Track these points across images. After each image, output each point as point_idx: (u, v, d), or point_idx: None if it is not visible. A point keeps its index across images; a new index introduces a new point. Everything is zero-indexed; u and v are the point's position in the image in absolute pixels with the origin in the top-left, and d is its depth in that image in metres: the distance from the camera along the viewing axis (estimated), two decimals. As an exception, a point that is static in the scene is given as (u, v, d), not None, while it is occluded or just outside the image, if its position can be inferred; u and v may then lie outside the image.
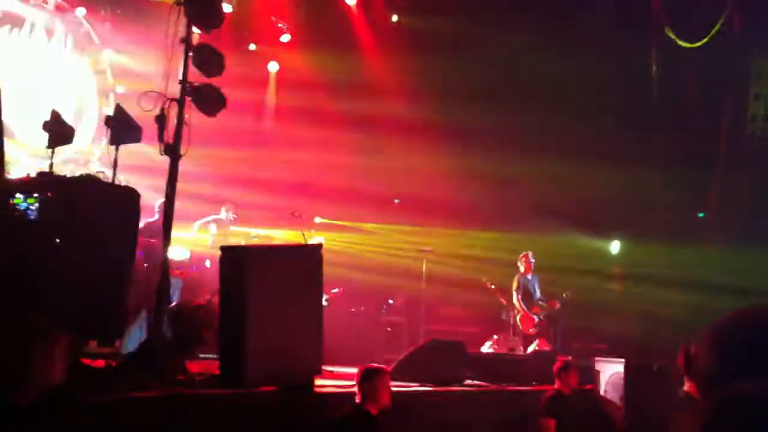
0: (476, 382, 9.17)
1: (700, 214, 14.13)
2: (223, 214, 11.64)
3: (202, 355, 8.12)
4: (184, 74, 7.56)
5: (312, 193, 13.61)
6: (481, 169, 13.91)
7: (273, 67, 15.25)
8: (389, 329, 12.73)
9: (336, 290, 11.58)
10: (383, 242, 14.02)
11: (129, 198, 7.41)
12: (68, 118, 11.77)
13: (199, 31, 8.28)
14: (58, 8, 12.42)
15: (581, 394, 8.44)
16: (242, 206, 12.19)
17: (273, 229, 12.38)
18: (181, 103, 7.52)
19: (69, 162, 11.73)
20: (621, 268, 13.57)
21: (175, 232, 8.00)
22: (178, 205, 7.53)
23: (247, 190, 12.92)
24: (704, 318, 11.72)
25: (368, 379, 6.46)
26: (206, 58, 7.82)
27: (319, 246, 7.92)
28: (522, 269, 11.79)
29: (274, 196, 12.73)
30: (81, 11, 12.63)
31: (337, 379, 8.18)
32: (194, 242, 11.34)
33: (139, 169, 9.52)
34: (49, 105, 11.49)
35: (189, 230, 11.32)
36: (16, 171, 10.84)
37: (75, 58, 12.76)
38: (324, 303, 11.02)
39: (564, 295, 11.70)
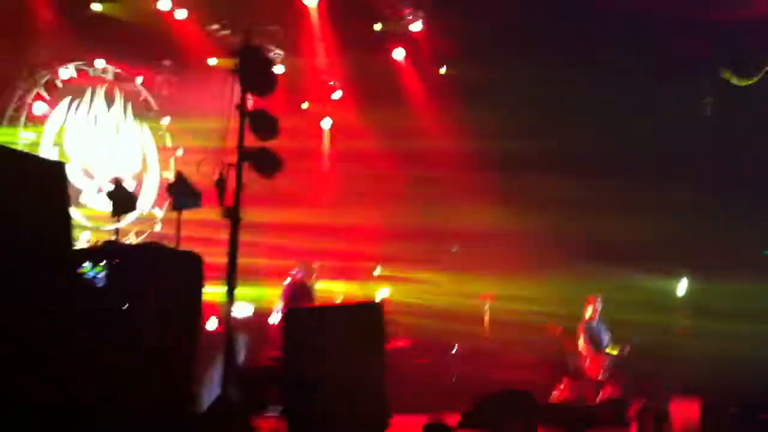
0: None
1: (766, 252, 13.81)
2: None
3: (269, 412, 8.18)
4: (241, 139, 7.73)
5: (372, 243, 13.69)
6: (538, 219, 13.86)
7: (326, 123, 15.48)
8: (454, 379, 12.62)
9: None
10: (443, 291, 13.99)
11: (192, 262, 7.56)
12: (130, 184, 12.23)
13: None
14: (117, 77, 12.83)
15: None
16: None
17: (335, 282, 12.48)
18: (239, 167, 7.69)
19: (133, 227, 12.04)
20: (689, 309, 13.22)
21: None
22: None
23: (307, 243, 13.06)
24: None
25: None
26: (261, 123, 8.02)
27: (381, 303, 7.96)
28: (588, 314, 11.62)
29: (334, 249, 12.83)
30: (139, 79, 13.03)
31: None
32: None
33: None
34: (111, 172, 11.96)
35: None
36: (83, 236, 11.20)
37: (135, 125, 13.14)
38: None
39: (633, 339, 11.48)
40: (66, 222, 6.36)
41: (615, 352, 11.36)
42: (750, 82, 13.28)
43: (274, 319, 11.18)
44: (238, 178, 7.72)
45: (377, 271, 12.93)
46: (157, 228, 12.45)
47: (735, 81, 13.41)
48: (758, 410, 9.33)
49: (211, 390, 8.23)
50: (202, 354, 7.62)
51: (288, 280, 10.89)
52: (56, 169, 6.65)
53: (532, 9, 13.35)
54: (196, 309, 7.46)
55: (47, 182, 6.37)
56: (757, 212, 13.11)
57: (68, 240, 6.65)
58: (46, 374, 6.07)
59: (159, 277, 7.16)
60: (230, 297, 7.63)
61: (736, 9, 12.96)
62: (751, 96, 13.32)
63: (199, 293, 7.52)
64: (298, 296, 10.09)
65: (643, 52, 13.56)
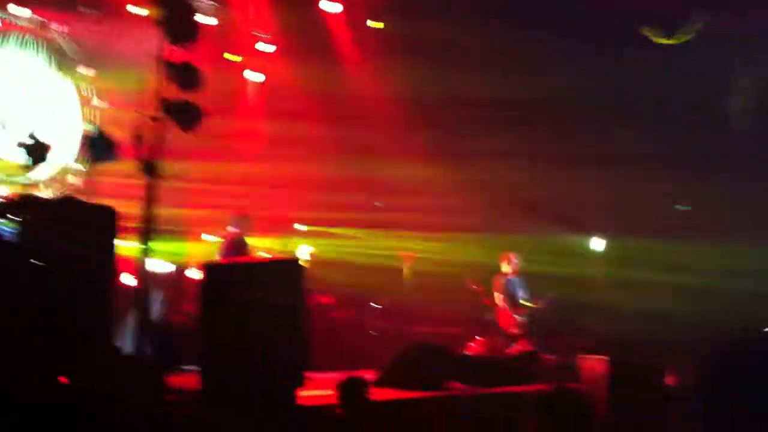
0: (460, 384, 9.25)
1: (682, 207, 14.25)
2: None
3: (184, 367, 8.18)
4: (161, 91, 7.62)
5: (293, 201, 13.67)
6: (464, 172, 14.00)
7: (256, 77, 15.29)
8: (374, 333, 12.82)
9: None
10: (365, 247, 14.09)
11: (106, 216, 7.49)
12: (48, 135, 11.94)
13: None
14: (36, 24, 12.45)
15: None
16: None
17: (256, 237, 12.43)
18: (159, 120, 7.59)
19: (50, 180, 11.78)
20: (603, 266, 13.61)
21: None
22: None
23: (229, 203, 12.97)
24: (687, 313, 11.90)
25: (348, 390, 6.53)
26: (184, 74, 7.90)
27: (297, 259, 8.00)
28: (504, 270, 11.86)
29: (256, 204, 12.75)
30: (59, 27, 12.64)
31: (320, 387, 8.24)
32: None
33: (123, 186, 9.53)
34: (31, 122, 11.64)
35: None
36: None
37: (54, 74, 12.78)
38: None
39: (548, 294, 11.77)
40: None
41: (530, 306, 11.64)
42: (672, 41, 13.54)
43: (193, 273, 11.11)
44: (157, 131, 7.63)
45: (301, 227, 12.92)
46: (75, 180, 12.20)
47: (657, 39, 13.65)
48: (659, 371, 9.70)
49: (125, 345, 8.23)
50: (118, 309, 7.61)
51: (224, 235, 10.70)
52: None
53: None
54: (109, 263, 7.42)
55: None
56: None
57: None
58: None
59: (72, 230, 7.10)
60: (145, 251, 7.60)
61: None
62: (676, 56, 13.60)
63: (112, 247, 7.46)
64: (237, 252, 9.98)
65: (572, 13, 13.69)
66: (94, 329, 7.04)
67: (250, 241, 10.34)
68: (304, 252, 11.58)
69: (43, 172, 11.25)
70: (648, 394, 9.41)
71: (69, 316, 6.78)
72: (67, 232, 7.07)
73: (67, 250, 6.96)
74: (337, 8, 14.65)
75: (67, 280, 6.84)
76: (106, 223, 7.45)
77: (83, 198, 7.80)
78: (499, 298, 11.70)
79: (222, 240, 10.40)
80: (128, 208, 7.83)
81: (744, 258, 12.13)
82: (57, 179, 12.05)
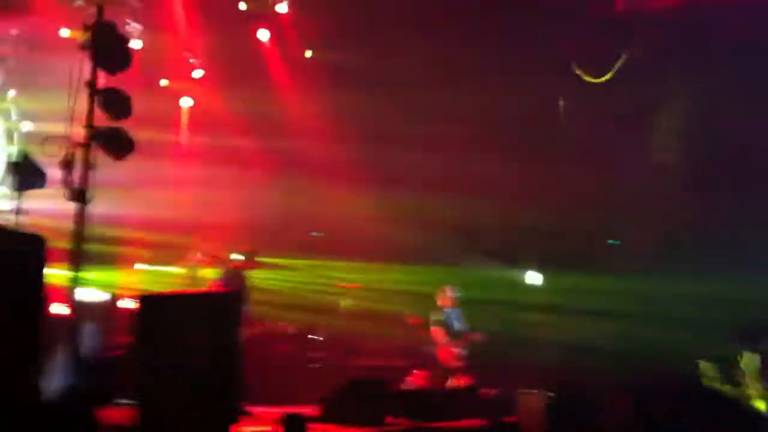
0: (398, 420, 9.12)
1: (613, 242, 14.45)
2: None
3: (118, 401, 7.89)
4: (90, 118, 7.41)
5: (228, 231, 13.39)
6: (399, 204, 13.94)
7: (186, 102, 15.05)
8: (313, 366, 12.59)
9: None
10: (303, 278, 13.90)
11: (35, 244, 7.18)
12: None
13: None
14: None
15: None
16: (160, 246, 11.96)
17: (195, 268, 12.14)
18: (88, 147, 7.37)
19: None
20: (539, 299, 13.64)
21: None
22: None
23: (162, 230, 12.66)
24: (620, 346, 11.98)
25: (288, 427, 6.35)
26: (112, 101, 7.71)
27: (238, 292, 7.82)
28: (441, 303, 11.80)
29: (189, 235, 12.47)
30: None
31: (258, 423, 8.03)
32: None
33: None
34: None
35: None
36: None
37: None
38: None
39: (482, 332, 11.76)
40: None
41: (466, 339, 11.58)
42: (601, 79, 13.79)
43: (126, 304, 10.80)
44: (86, 158, 7.38)
45: (237, 257, 12.67)
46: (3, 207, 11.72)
47: (588, 78, 13.90)
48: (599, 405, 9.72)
49: (55, 378, 7.86)
50: (46, 341, 7.27)
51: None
52: None
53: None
54: (37, 294, 7.10)
55: None
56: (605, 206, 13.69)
57: None
58: None
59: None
60: (75, 281, 7.31)
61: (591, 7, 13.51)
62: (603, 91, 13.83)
63: (41, 277, 7.14)
64: (234, 283, 10.02)
65: (505, 41, 13.81)
66: (22, 364, 6.69)
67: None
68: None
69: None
70: (585, 429, 9.42)
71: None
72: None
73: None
74: (266, 35, 14.58)
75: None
76: (33, 251, 7.12)
77: (8, 224, 7.40)
78: (436, 331, 11.62)
79: (222, 268, 10.40)
80: (57, 235, 7.53)
81: (681, 289, 12.29)
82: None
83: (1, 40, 12.39)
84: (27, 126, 12.55)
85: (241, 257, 10.47)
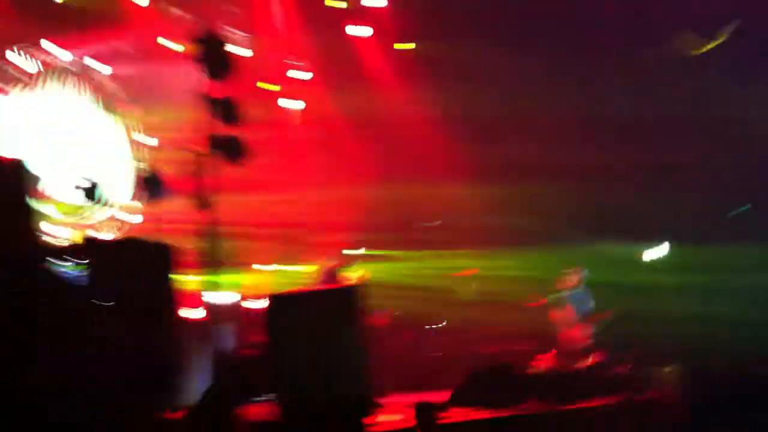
0: (533, 402, 9.06)
1: (742, 209, 14.00)
2: None
3: (258, 399, 8.15)
4: (208, 127, 7.68)
5: (342, 226, 13.63)
6: (513, 187, 13.87)
7: (293, 105, 15.33)
8: (435, 354, 12.67)
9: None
10: (425, 269, 13.98)
11: (167, 253, 7.51)
12: (102, 176, 12.04)
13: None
14: (83, 69, 12.57)
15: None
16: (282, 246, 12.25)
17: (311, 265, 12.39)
18: (207, 155, 7.64)
19: (107, 221, 11.86)
20: (668, 275, 13.26)
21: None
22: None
23: (282, 229, 12.98)
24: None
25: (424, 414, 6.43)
26: (225, 109, 7.96)
27: (359, 286, 7.98)
28: (571, 283, 11.69)
29: (313, 235, 12.75)
30: (106, 69, 12.76)
31: (390, 413, 8.14)
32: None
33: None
34: (81, 164, 11.76)
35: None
36: (53, 229, 11.02)
37: (104, 116, 12.89)
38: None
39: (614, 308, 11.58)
40: (26, 219, 6.26)
41: (597, 318, 11.42)
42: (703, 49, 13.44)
43: (252, 304, 11.11)
44: (206, 165, 7.67)
45: (359, 251, 12.89)
46: (132, 219, 12.26)
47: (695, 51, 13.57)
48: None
49: (200, 379, 8.19)
50: (187, 344, 7.60)
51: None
52: (15, 165, 6.56)
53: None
54: (169, 299, 7.42)
55: (4, 179, 6.31)
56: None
57: (30, 238, 6.52)
58: (23, 372, 6.02)
59: (134, 269, 7.12)
60: (210, 284, 7.61)
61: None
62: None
63: (171, 282, 7.45)
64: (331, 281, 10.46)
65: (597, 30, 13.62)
66: (165, 367, 7.03)
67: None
68: (360, 275, 11.51)
69: (99, 212, 11.34)
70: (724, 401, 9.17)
71: (139, 355, 6.78)
72: (131, 271, 7.10)
73: (131, 289, 6.97)
74: (367, 32, 14.70)
75: (134, 319, 6.84)
76: (163, 259, 7.47)
77: (142, 236, 7.78)
78: (557, 312, 11.51)
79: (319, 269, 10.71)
80: (187, 243, 7.85)
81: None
82: (114, 219, 12.14)
83: (120, 59, 12.90)
84: (151, 141, 13.04)
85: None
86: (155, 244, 7.70)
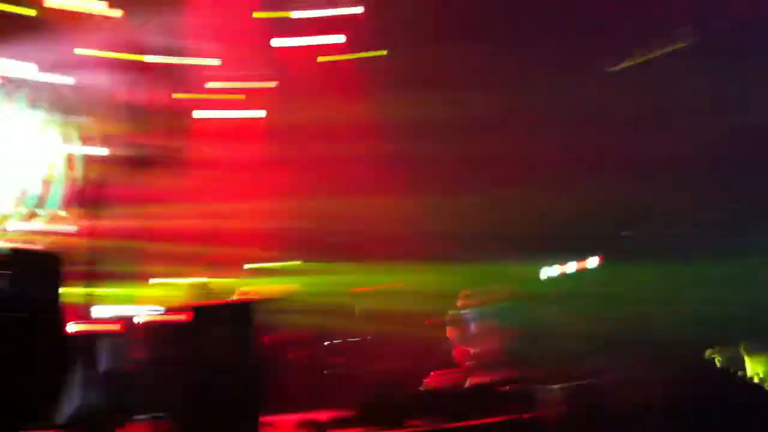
0: (418, 421, 9.14)
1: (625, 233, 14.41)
2: None
3: (136, 417, 7.97)
4: (125, 137, 7.53)
5: (238, 240, 13.49)
6: (420, 204, 13.96)
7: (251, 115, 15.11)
8: (329, 371, 12.65)
9: None
10: (319, 283, 13.93)
11: (53, 263, 7.33)
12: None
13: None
14: (20, 74, 12.15)
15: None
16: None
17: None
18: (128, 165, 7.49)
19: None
20: (555, 291, 13.55)
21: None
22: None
23: (179, 242, 12.77)
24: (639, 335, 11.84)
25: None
26: (145, 120, 7.83)
27: (255, 301, 7.94)
28: (460, 303, 11.84)
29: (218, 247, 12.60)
30: (45, 77, 12.34)
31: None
32: None
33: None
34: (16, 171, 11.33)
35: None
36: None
37: (42, 124, 12.48)
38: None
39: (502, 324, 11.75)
40: None
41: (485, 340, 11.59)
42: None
43: (140, 319, 10.90)
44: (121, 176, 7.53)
45: (251, 265, 12.74)
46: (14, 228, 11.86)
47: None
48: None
49: (76, 396, 7.96)
50: (66, 359, 7.38)
51: None
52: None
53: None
54: (56, 311, 7.23)
55: None
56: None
57: None
58: None
59: (19, 278, 6.93)
60: (93, 297, 7.43)
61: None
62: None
63: (59, 294, 7.27)
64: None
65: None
66: (43, 382, 6.83)
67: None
68: (253, 290, 11.39)
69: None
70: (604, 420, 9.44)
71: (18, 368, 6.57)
72: (15, 281, 6.90)
73: (14, 298, 6.78)
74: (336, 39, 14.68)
75: (15, 330, 6.64)
76: (49, 269, 7.28)
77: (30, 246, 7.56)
78: (452, 330, 11.66)
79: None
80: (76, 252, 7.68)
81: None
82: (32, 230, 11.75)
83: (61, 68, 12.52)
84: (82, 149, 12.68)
85: None
86: (42, 253, 7.52)
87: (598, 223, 13.78)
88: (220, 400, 7.14)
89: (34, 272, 7.08)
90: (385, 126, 14.10)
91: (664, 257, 12.85)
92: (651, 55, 13.53)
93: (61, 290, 7.23)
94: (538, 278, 13.92)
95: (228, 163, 14.38)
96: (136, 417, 7.85)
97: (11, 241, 9.35)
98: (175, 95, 14.42)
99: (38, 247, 7.66)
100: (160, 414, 7.17)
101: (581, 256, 13.65)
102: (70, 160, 12.50)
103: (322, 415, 8.43)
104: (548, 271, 14.03)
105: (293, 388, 10.85)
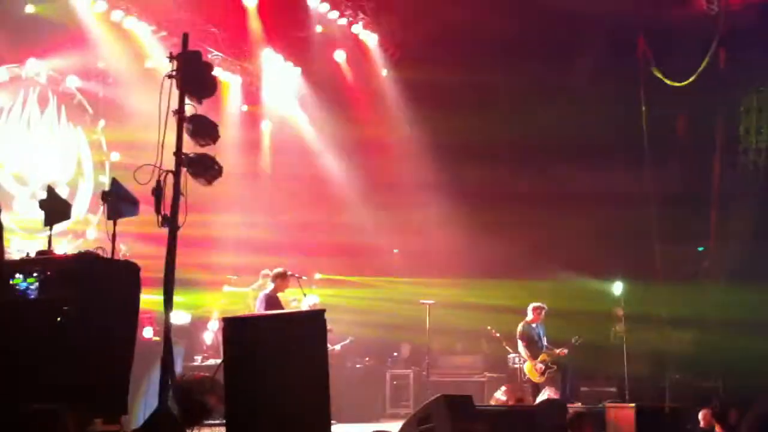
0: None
1: (700, 248, 14.13)
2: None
3: (207, 422, 8.04)
4: (179, 145, 7.56)
5: (310, 251, 13.58)
6: (479, 218, 13.91)
7: (266, 126, 15.37)
8: (395, 382, 12.65)
9: (348, 340, 11.58)
10: (385, 295, 13.97)
11: (129, 272, 7.42)
12: (63, 189, 11.93)
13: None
14: (51, 80, 12.45)
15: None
16: (244, 270, 12.19)
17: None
18: (177, 174, 7.52)
19: (67, 233, 11.71)
20: (625, 309, 13.39)
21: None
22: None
23: (245, 252, 12.93)
24: (710, 356, 11.66)
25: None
26: (200, 128, 7.86)
27: (322, 311, 7.89)
28: (529, 317, 11.75)
29: (273, 258, 12.68)
30: (73, 81, 12.67)
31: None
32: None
33: (142, 237, 9.49)
34: (44, 178, 11.63)
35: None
36: (14, 243, 10.88)
37: (69, 128, 12.79)
38: (337, 348, 11.13)
39: (573, 340, 11.65)
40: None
41: (553, 353, 11.48)
42: (681, 83, 13.58)
43: (213, 327, 11.04)
44: (176, 185, 7.55)
45: (317, 276, 12.81)
46: (92, 235, 12.14)
47: (668, 81, 13.70)
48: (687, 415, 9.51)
49: (149, 401, 8.09)
50: (138, 364, 7.48)
51: (263, 290, 10.54)
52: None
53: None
54: (132, 319, 7.33)
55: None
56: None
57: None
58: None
59: (93, 286, 7.02)
60: (168, 305, 7.48)
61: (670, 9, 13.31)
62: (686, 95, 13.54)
63: (137, 303, 7.38)
64: (271, 307, 9.95)
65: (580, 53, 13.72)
66: (117, 386, 6.93)
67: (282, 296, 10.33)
68: (315, 301, 11.44)
69: (61, 226, 11.23)
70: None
71: (90, 374, 6.68)
72: (88, 288, 7.00)
73: (89, 306, 6.88)
74: (343, 56, 14.77)
75: (88, 337, 6.74)
76: (129, 278, 7.39)
77: (103, 252, 7.66)
78: (522, 345, 11.56)
79: (261, 295, 10.38)
80: (147, 260, 7.78)
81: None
82: (75, 232, 12.02)
83: (90, 73, 12.82)
84: (116, 156, 12.96)
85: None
86: (114, 262, 7.61)
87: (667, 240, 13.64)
88: (287, 408, 7.14)
89: (114, 279, 7.20)
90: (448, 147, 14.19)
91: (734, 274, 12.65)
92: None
93: (139, 297, 7.34)
94: (610, 294, 13.61)
95: (288, 175, 14.63)
96: (209, 421, 7.94)
97: (89, 247, 9.58)
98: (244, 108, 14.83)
99: (116, 254, 7.71)
100: (228, 420, 7.19)
101: (649, 272, 13.47)
102: (101, 164, 12.81)
103: (390, 426, 8.40)
104: (619, 288, 13.74)
105: (360, 397, 10.89)
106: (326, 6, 13.85)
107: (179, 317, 10.46)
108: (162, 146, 7.50)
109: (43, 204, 7.83)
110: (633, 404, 9.63)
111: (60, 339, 6.64)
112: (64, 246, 11.24)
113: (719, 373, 11.67)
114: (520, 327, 11.67)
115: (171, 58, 7.76)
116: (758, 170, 13.72)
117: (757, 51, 13.18)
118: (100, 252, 7.65)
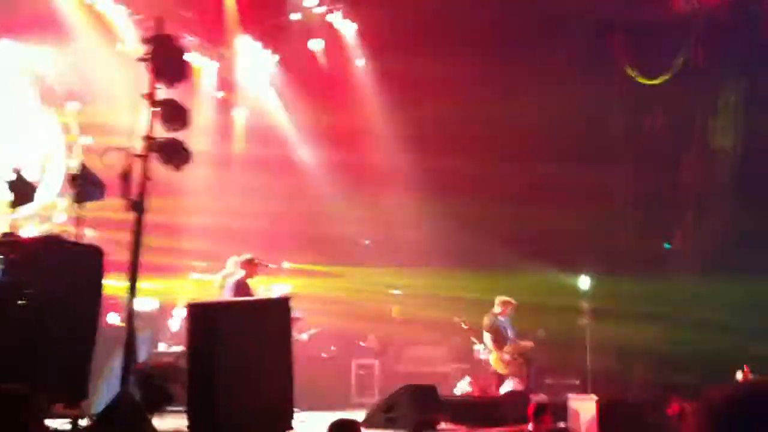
0: (450, 426, 9.14)
1: (667, 245, 14.27)
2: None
3: (169, 408, 8.03)
4: (148, 130, 7.52)
5: (279, 239, 13.55)
6: (449, 209, 13.93)
7: (239, 112, 15.32)
8: (361, 372, 12.70)
9: (314, 331, 11.60)
10: (353, 285, 13.98)
11: (94, 256, 7.39)
12: (33, 171, 11.81)
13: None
14: (22, 61, 12.33)
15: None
16: (212, 256, 12.15)
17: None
18: (145, 158, 7.49)
19: (34, 216, 11.61)
20: (591, 303, 13.52)
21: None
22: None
23: (213, 240, 12.88)
24: (675, 350, 11.79)
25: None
26: (171, 113, 7.81)
27: (288, 298, 7.91)
28: (496, 310, 11.81)
29: (242, 246, 12.67)
30: (45, 63, 12.55)
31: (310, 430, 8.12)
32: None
33: (107, 223, 9.43)
34: (12, 159, 11.51)
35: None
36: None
37: (40, 111, 12.67)
38: (304, 337, 11.17)
39: (537, 332, 11.73)
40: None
41: (518, 345, 11.56)
42: (655, 81, 13.67)
43: (179, 314, 11.00)
44: (145, 169, 7.52)
45: (285, 265, 12.77)
46: (60, 218, 12.05)
47: (641, 80, 13.78)
48: (649, 408, 9.62)
49: (110, 386, 8.05)
50: (101, 349, 7.45)
51: (233, 277, 10.49)
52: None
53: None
54: (95, 304, 7.30)
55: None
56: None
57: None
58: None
59: (57, 269, 6.99)
60: (132, 291, 7.46)
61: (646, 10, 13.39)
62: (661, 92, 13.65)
63: (100, 288, 7.35)
64: (240, 294, 9.88)
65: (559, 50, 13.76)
66: (80, 374, 6.91)
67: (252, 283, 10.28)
68: (286, 290, 11.41)
69: (28, 208, 11.15)
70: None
71: (52, 357, 6.66)
72: (52, 271, 6.97)
73: (51, 290, 6.84)
74: (320, 45, 14.76)
75: (51, 320, 6.72)
76: (91, 262, 7.34)
77: (68, 236, 7.63)
78: (488, 337, 11.63)
79: (231, 282, 10.33)
80: (113, 245, 7.75)
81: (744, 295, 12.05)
82: (43, 216, 11.92)
83: (60, 55, 12.70)
84: (86, 139, 12.86)
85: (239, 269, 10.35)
86: (77, 245, 7.58)
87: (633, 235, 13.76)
88: (250, 395, 7.14)
89: (78, 263, 7.16)
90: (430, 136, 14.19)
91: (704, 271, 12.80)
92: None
93: (102, 282, 7.31)
94: (577, 288, 13.71)
95: (259, 163, 14.59)
96: (172, 408, 7.93)
97: (53, 231, 9.53)
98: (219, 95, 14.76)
99: (81, 238, 7.67)
100: (190, 407, 7.18)
101: (616, 267, 13.58)
102: (72, 147, 12.71)
103: (354, 415, 8.44)
104: (585, 282, 13.86)
105: (326, 386, 10.91)
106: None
107: (146, 303, 10.42)
108: (132, 130, 7.47)
109: (10, 185, 7.77)
110: (595, 397, 9.72)
111: (21, 321, 6.62)
112: (31, 230, 11.15)
113: (686, 368, 11.79)
114: (486, 319, 11.72)
115: (144, 41, 7.73)
116: (730, 167, 13.84)
117: (733, 49, 13.28)
118: (65, 236, 7.62)
